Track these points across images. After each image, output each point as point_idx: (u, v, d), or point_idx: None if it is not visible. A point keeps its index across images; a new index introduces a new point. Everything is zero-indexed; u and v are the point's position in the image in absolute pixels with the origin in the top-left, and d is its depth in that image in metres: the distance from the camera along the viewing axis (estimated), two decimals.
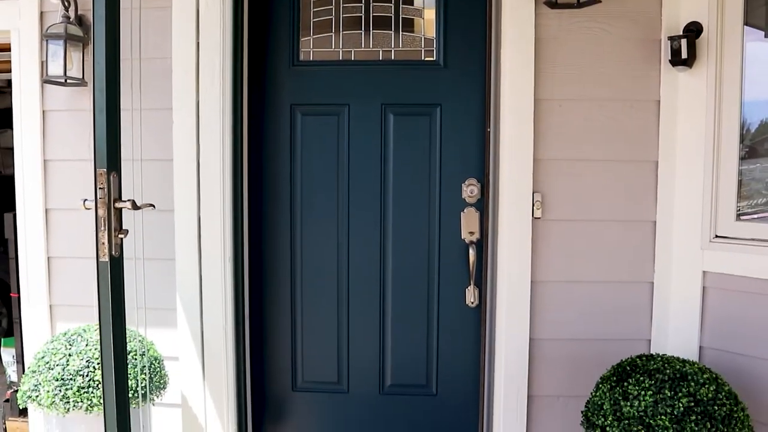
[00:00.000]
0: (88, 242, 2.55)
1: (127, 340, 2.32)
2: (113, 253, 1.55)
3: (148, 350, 2.37)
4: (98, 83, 1.52)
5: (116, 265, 1.56)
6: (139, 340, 2.35)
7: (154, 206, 1.69)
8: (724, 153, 2.33)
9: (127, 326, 2.27)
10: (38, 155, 2.70)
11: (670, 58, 2.34)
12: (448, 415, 2.74)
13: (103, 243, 1.53)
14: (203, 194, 2.54)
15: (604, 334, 2.50)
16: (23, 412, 3.14)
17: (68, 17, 2.59)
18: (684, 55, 2.31)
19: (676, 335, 2.42)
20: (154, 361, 2.37)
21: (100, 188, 1.52)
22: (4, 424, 3.23)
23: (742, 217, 2.34)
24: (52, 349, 2.29)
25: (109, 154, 1.51)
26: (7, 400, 3.25)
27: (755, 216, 2.35)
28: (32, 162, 2.70)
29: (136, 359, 2.28)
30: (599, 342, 2.50)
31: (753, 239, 2.28)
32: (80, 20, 2.63)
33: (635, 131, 2.44)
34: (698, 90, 2.35)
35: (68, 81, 2.60)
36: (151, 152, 2.49)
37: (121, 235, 1.55)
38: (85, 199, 1.55)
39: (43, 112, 2.70)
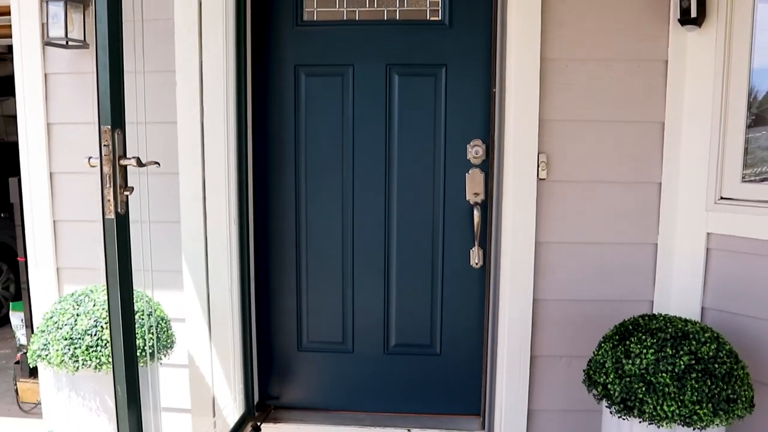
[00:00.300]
0: (93, 205, 2.56)
1: (134, 300, 2.36)
2: (119, 210, 1.55)
3: (155, 310, 2.39)
4: (101, 41, 1.51)
5: (122, 222, 1.56)
6: (146, 301, 2.37)
7: (158, 164, 1.69)
8: (731, 114, 2.31)
9: (134, 287, 2.31)
10: (41, 119, 2.69)
11: (679, 16, 2.31)
12: (452, 374, 2.78)
13: (109, 200, 1.53)
14: (208, 156, 2.54)
15: (608, 295, 2.51)
16: (34, 373, 3.19)
17: None
18: (693, 13, 2.27)
19: (678, 296, 2.43)
20: (161, 321, 2.39)
21: (104, 145, 1.52)
22: (16, 385, 3.29)
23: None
24: (60, 309, 2.32)
25: (113, 112, 1.51)
26: (17, 362, 3.30)
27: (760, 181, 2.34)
28: (35, 126, 2.69)
29: (143, 319, 2.31)
30: (602, 303, 2.51)
31: (759, 200, 2.28)
32: None
33: (642, 92, 2.42)
34: (707, 49, 2.32)
35: (70, 43, 2.59)
36: (155, 115, 2.47)
37: (126, 192, 1.56)
38: (90, 157, 1.55)
39: (45, 75, 2.68)
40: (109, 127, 1.51)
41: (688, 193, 2.40)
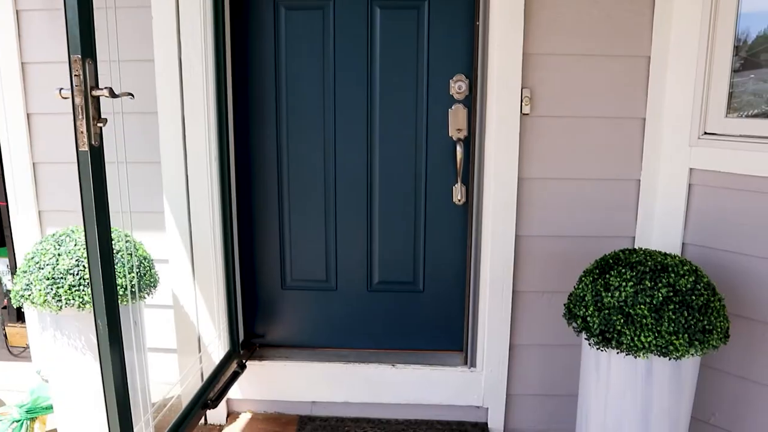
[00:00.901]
0: (73, 146, 2.52)
1: (115, 240, 2.35)
2: (93, 142, 1.52)
3: (137, 250, 2.39)
4: None
5: (97, 154, 1.53)
6: (127, 240, 2.36)
7: (132, 96, 1.65)
8: (718, 48, 2.28)
9: (115, 228, 2.30)
10: (15, 57, 2.61)
11: None
12: (435, 310, 2.81)
13: (82, 132, 1.50)
14: (186, 94, 2.49)
15: (590, 231, 2.53)
16: (21, 318, 3.20)
17: None
18: None
19: (660, 232, 2.45)
20: (143, 261, 2.39)
21: (75, 75, 1.47)
22: (4, 329, 3.30)
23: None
24: (42, 249, 2.30)
25: (83, 40, 1.46)
26: (4, 308, 3.30)
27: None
28: (9, 64, 2.61)
29: (124, 258, 2.30)
30: (584, 239, 2.53)
31: (742, 135, 2.27)
32: None
33: (628, 25, 2.37)
34: None
35: None
36: (131, 52, 2.40)
37: (99, 124, 1.52)
38: (61, 88, 1.51)
39: (17, 12, 2.59)
40: (79, 56, 1.47)
41: (671, 129, 2.38)
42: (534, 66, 2.40)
